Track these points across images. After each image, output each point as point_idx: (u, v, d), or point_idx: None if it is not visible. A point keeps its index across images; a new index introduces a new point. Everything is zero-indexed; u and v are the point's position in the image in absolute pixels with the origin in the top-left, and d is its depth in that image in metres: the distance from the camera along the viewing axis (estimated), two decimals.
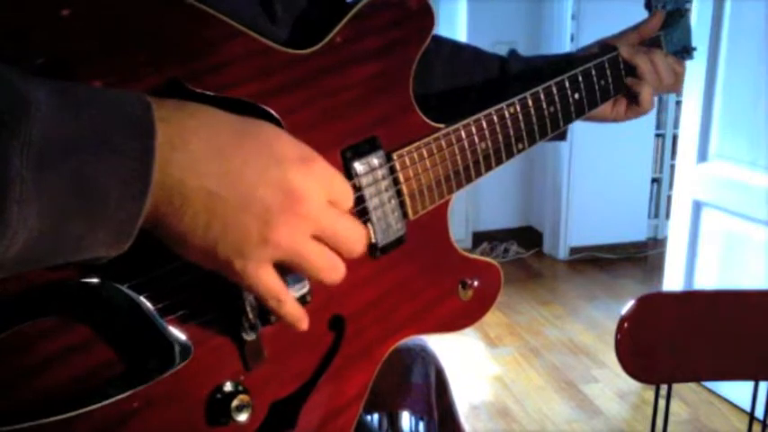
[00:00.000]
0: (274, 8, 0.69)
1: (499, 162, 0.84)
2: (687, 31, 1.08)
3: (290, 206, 0.51)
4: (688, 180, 2.93)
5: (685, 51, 1.08)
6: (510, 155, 0.85)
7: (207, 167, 0.48)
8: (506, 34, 4.32)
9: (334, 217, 0.55)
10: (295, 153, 0.53)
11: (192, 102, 0.52)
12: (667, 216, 3.83)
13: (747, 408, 1.53)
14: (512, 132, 0.84)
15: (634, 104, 1.01)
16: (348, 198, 0.57)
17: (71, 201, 0.43)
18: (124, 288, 0.53)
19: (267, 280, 0.53)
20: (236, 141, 0.50)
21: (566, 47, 4.04)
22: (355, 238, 0.57)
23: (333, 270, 0.56)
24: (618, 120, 1.04)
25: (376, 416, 1.81)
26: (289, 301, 0.56)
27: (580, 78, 0.92)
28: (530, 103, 0.85)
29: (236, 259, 0.51)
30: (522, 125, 0.85)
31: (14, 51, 0.48)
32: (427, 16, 0.75)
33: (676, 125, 4.12)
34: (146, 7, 0.54)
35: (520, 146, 0.86)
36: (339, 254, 0.56)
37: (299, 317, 0.57)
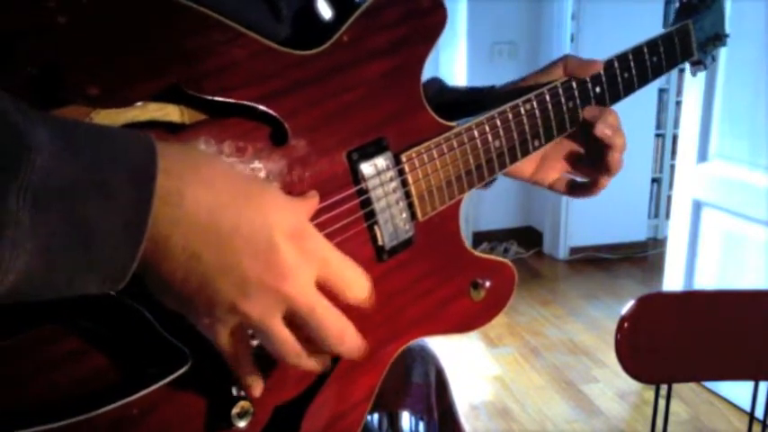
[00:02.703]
0: (279, 6, 0.69)
1: (514, 160, 0.81)
2: (721, 15, 0.99)
3: (270, 281, 0.50)
4: (688, 180, 2.93)
5: (717, 39, 0.99)
6: (525, 152, 0.82)
7: (195, 229, 0.48)
8: (506, 34, 4.31)
9: (315, 300, 0.53)
10: (290, 226, 0.52)
11: (198, 151, 0.52)
12: (667, 216, 3.84)
13: (747, 408, 1.53)
14: (527, 129, 0.81)
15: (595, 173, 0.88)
16: (345, 280, 0.55)
17: (65, 244, 0.43)
18: (125, 297, 0.53)
19: (228, 343, 0.53)
20: (233, 205, 0.49)
21: (566, 47, 4.03)
22: (335, 330, 0.54)
23: (296, 356, 0.54)
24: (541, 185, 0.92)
25: (376, 416, 1.81)
26: (245, 366, 0.56)
27: (617, 68, 0.86)
28: (547, 98, 0.83)
29: (204, 317, 0.52)
30: (540, 121, 0.82)
31: (8, 60, 0.48)
32: (438, 11, 0.73)
33: (676, 125, 4.13)
34: (144, 12, 0.54)
35: (536, 143, 0.83)
36: (314, 337, 0.54)
37: (253, 384, 0.57)
